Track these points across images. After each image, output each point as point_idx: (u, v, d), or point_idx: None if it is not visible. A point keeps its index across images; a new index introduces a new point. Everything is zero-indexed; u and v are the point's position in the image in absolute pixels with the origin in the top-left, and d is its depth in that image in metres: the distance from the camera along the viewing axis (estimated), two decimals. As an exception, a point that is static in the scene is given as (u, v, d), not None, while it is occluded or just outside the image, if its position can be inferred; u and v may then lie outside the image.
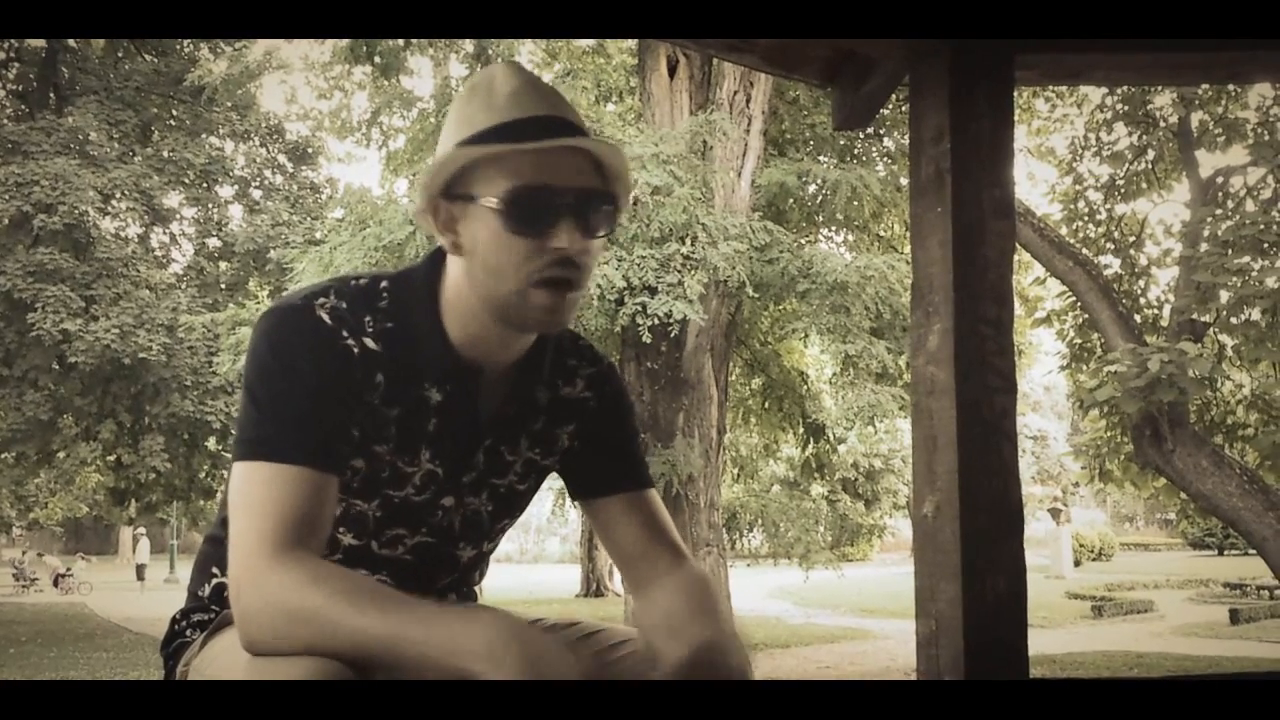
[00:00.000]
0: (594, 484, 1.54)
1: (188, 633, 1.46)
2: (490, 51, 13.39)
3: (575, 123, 1.34)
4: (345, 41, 13.22)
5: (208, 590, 1.46)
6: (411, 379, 1.35)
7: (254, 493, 1.23)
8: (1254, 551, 10.14)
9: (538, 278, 1.29)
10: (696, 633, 1.33)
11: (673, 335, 10.80)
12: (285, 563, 1.19)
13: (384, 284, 1.37)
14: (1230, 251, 9.13)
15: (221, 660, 1.28)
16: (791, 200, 12.77)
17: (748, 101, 11.93)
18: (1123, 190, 12.17)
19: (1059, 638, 14.94)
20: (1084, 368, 12.05)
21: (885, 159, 14.25)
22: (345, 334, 1.31)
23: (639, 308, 10.10)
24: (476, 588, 1.62)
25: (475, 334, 1.36)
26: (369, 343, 1.32)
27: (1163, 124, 11.49)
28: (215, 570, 1.45)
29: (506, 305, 1.31)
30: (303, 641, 1.15)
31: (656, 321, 10.10)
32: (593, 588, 24.73)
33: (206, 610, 1.45)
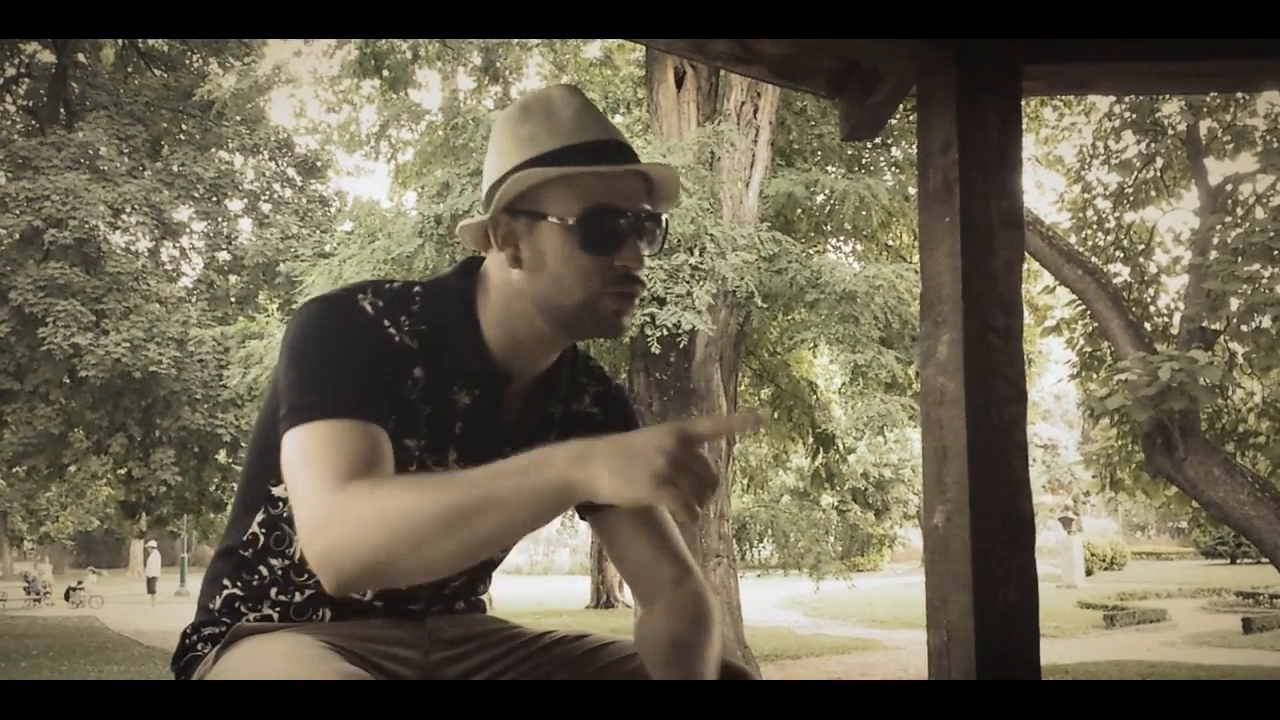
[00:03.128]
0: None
1: (199, 646, 1.46)
2: (498, 65, 13.44)
3: (629, 146, 1.43)
4: (354, 55, 13.28)
5: (218, 603, 1.47)
6: (443, 380, 1.39)
7: (311, 448, 1.24)
8: (1266, 560, 10.09)
9: (606, 292, 1.36)
10: (690, 662, 1.37)
11: (681, 346, 10.79)
12: (345, 489, 1.19)
13: (416, 289, 1.42)
14: (1240, 259, 9.11)
15: (237, 673, 1.29)
16: (799, 210, 12.78)
17: (755, 112, 11.95)
18: (1131, 198, 12.15)
19: (1071, 647, 14.87)
20: (1094, 376, 12.02)
21: (893, 168, 14.26)
22: (387, 323, 1.35)
23: (647, 318, 10.10)
24: (485, 597, 1.63)
25: (519, 341, 1.41)
26: (407, 339, 1.36)
27: (1171, 132, 11.47)
28: (226, 582, 1.46)
29: (572, 315, 1.37)
30: (395, 549, 1.14)
31: (665, 332, 10.10)
32: (602, 599, 24.70)
33: (218, 623, 1.45)
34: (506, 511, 1.13)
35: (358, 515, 1.16)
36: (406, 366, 1.36)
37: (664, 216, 1.43)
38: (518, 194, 1.36)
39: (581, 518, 1.58)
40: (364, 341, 1.32)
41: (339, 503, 1.18)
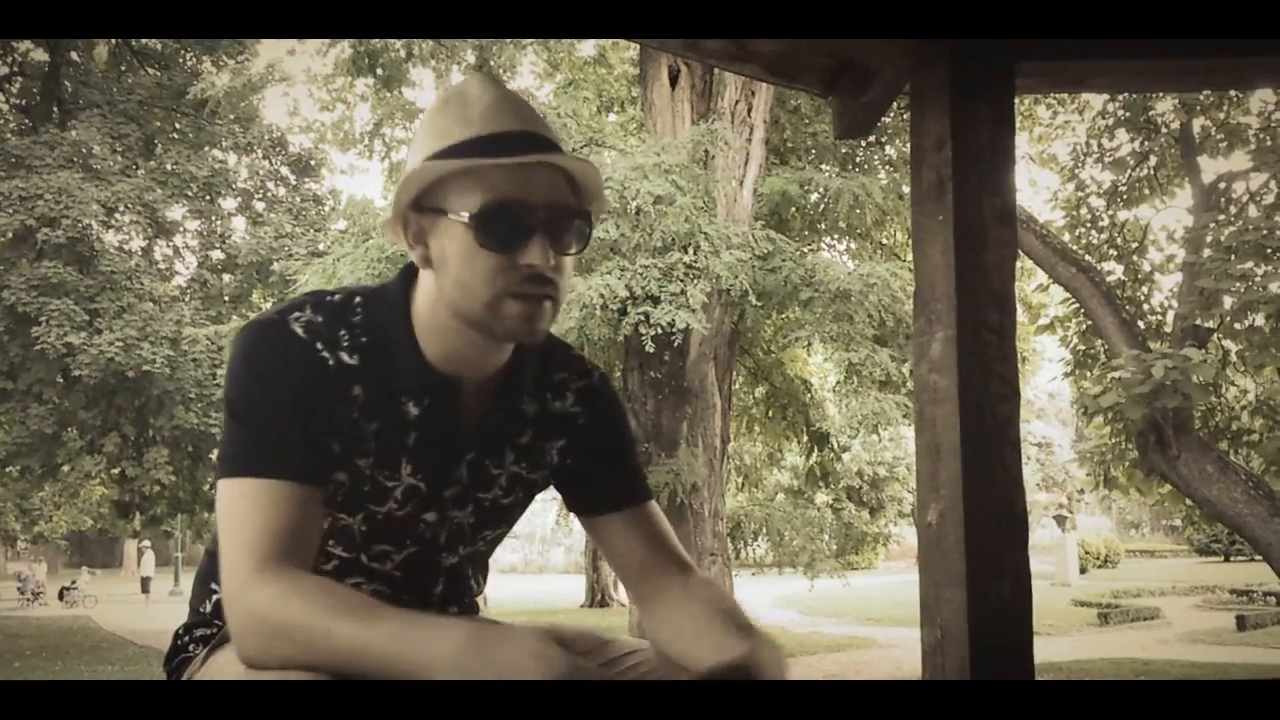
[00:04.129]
0: (593, 502, 1.53)
1: (190, 647, 1.46)
2: (492, 63, 13.42)
3: (550, 138, 1.34)
4: (348, 54, 13.26)
5: (209, 606, 1.46)
6: (389, 393, 1.35)
7: (238, 509, 1.25)
8: (1260, 557, 10.11)
9: (510, 292, 1.28)
10: (726, 639, 1.32)
11: (676, 344, 10.79)
12: (266, 578, 1.20)
13: (358, 299, 1.37)
14: (1233, 257, 9.12)
15: (224, 673, 1.28)
16: (794, 209, 12.79)
17: (749, 111, 11.95)
18: (1125, 196, 12.17)
19: (1065, 645, 14.90)
20: (1088, 374, 12.04)
21: (887, 167, 14.27)
22: (320, 346, 1.31)
23: (642, 317, 10.11)
24: (480, 598, 1.62)
25: (451, 347, 1.35)
26: (344, 356, 1.32)
27: (1164, 130, 11.49)
28: (214, 586, 1.45)
29: (479, 319, 1.30)
30: (286, 655, 1.16)
31: (659, 331, 10.10)
32: (598, 598, 24.71)
33: (209, 625, 1.45)
34: (377, 668, 1.14)
35: (263, 616, 1.19)
36: (344, 386, 1.32)
37: (585, 213, 1.34)
38: (420, 189, 1.31)
39: (578, 514, 1.57)
40: (294, 373, 1.29)
41: (255, 597, 1.20)
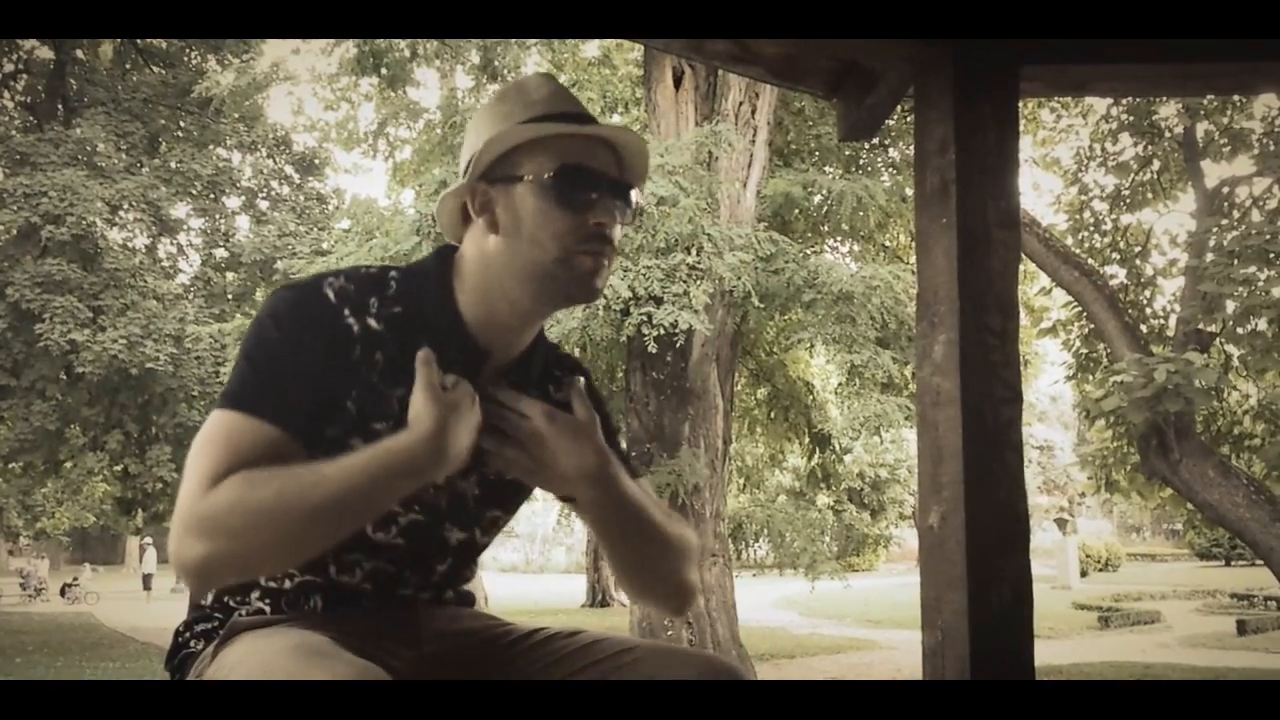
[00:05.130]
0: None
1: (193, 644, 1.45)
2: (496, 64, 13.43)
3: (599, 124, 1.46)
4: (352, 53, 13.27)
5: (210, 598, 1.46)
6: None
7: (211, 434, 1.29)
8: (1261, 562, 10.10)
9: (580, 249, 1.39)
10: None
11: (678, 345, 10.80)
12: (215, 488, 1.24)
13: (393, 273, 1.45)
14: (1236, 261, 9.12)
15: (239, 669, 1.27)
16: (797, 211, 12.78)
17: (753, 112, 11.95)
18: (1128, 200, 12.15)
19: (1065, 648, 14.89)
20: (1090, 378, 12.02)
21: (890, 169, 14.26)
22: (347, 312, 1.37)
23: (645, 318, 10.11)
24: (480, 597, 1.63)
25: (497, 316, 1.43)
26: (372, 323, 1.38)
27: (1168, 134, 11.47)
28: None
29: (549, 275, 1.40)
30: (256, 547, 1.23)
31: (662, 332, 10.10)
32: (598, 598, 24.72)
33: (210, 619, 1.45)
34: (360, 495, 1.26)
35: (218, 518, 1.22)
36: (368, 353, 1.37)
37: (633, 191, 1.46)
38: (493, 159, 1.42)
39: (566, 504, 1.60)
40: (316, 334, 1.34)
41: (203, 506, 1.23)
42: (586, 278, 1.40)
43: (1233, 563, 36.85)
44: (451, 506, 1.48)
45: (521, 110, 1.43)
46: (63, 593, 27.93)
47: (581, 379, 1.53)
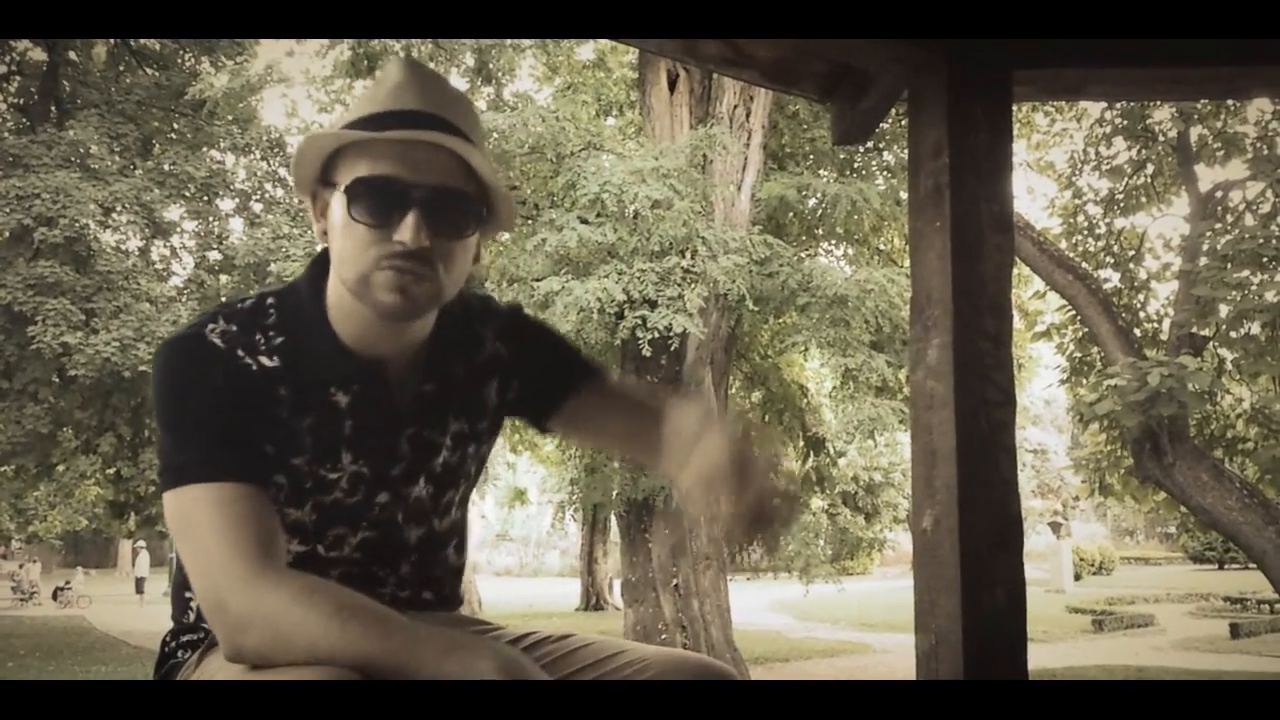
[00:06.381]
0: (550, 401, 1.57)
1: (179, 653, 1.44)
2: (491, 65, 13.43)
3: (452, 121, 1.32)
4: (346, 55, 13.26)
5: (191, 617, 1.44)
6: (316, 386, 1.34)
7: (202, 514, 1.23)
8: (1254, 565, 10.12)
9: (379, 267, 1.27)
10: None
11: (672, 348, 10.80)
12: (271, 577, 1.19)
13: (269, 300, 1.36)
14: (1229, 265, 9.15)
15: (219, 676, 1.26)
16: (791, 214, 12.79)
17: (748, 116, 11.96)
18: (1122, 204, 12.19)
19: (1059, 651, 14.91)
20: (1084, 381, 12.05)
21: (885, 173, 14.27)
22: (240, 354, 1.30)
23: (639, 321, 10.11)
24: (475, 600, 1.61)
25: (364, 329, 1.34)
26: (265, 360, 1.31)
27: (1162, 138, 11.51)
28: (188, 594, 1.42)
29: (355, 291, 1.30)
30: (291, 653, 1.15)
31: (656, 335, 10.10)
32: (592, 601, 24.70)
33: (195, 630, 1.43)
34: (369, 670, 1.14)
35: (276, 614, 1.16)
36: (270, 391, 1.31)
37: (475, 197, 1.32)
38: (320, 162, 1.32)
39: (543, 432, 1.61)
40: (218, 382, 1.28)
41: (266, 595, 1.18)
42: (386, 294, 1.27)
43: (1226, 566, 36.92)
44: (409, 515, 1.45)
45: (366, 103, 1.32)
46: (55, 596, 27.85)
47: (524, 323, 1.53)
